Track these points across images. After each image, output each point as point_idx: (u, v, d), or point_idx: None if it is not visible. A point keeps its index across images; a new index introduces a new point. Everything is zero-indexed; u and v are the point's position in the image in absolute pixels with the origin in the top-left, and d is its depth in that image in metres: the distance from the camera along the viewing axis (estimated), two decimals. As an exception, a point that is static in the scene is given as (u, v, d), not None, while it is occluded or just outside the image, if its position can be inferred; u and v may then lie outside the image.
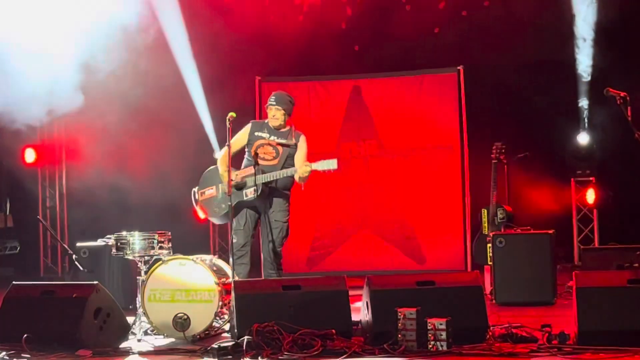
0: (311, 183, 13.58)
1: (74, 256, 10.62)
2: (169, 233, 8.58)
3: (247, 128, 9.10)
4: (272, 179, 8.72)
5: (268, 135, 8.89)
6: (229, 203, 8.57)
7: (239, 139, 9.06)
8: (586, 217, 14.18)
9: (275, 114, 8.90)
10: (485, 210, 10.89)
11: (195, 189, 9.16)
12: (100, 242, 10.64)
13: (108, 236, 8.74)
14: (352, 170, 13.73)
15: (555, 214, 13.57)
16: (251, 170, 8.81)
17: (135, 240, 8.36)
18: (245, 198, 8.76)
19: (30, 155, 15.33)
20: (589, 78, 13.12)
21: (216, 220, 9.31)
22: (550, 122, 13.48)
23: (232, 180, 8.61)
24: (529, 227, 10.40)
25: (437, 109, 13.45)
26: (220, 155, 9.07)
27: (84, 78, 11.43)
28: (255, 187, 8.65)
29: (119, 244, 8.41)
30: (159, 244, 8.40)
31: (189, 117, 13.67)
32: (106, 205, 13.88)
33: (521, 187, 12.13)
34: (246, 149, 9.06)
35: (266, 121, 9.02)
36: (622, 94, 8.44)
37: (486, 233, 10.72)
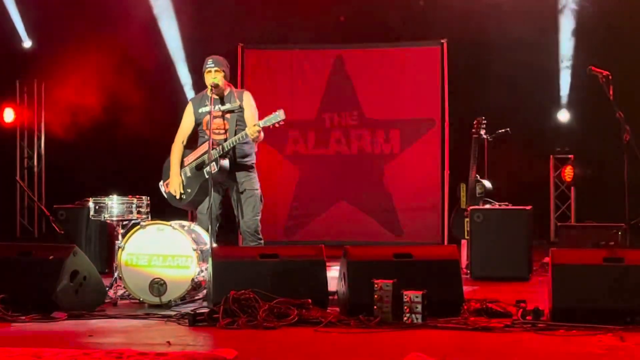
0: (292, 152, 13.67)
1: (51, 218, 10.60)
2: (148, 198, 8.56)
3: (189, 108, 8.89)
4: (227, 149, 8.47)
5: (212, 107, 8.55)
6: (204, 180, 8.52)
7: (186, 122, 8.90)
8: (564, 194, 14.27)
9: (215, 76, 8.60)
10: (464, 185, 10.91)
11: (161, 183, 8.96)
12: (78, 205, 10.64)
13: (86, 199, 8.71)
14: (332, 141, 13.72)
15: (533, 190, 13.64)
16: (205, 147, 8.59)
17: (114, 204, 8.34)
18: (206, 177, 8.49)
19: (9, 115, 15.25)
20: (571, 55, 13.15)
21: (187, 207, 9.04)
22: (531, 99, 13.51)
23: (195, 159, 8.63)
24: (507, 203, 10.44)
25: (419, 82, 13.45)
26: (174, 146, 8.88)
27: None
28: (214, 162, 8.40)
29: (97, 207, 8.39)
30: (138, 209, 8.39)
31: (170, 83, 13.63)
32: (85, 168, 13.83)
33: (500, 162, 12.15)
34: (198, 129, 8.88)
35: (205, 93, 8.73)
36: (604, 73, 8.50)
37: (464, 207, 10.75)
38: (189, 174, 8.77)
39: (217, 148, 8.43)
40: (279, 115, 8.33)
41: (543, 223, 13.82)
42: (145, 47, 14.04)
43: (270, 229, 12.75)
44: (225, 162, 8.50)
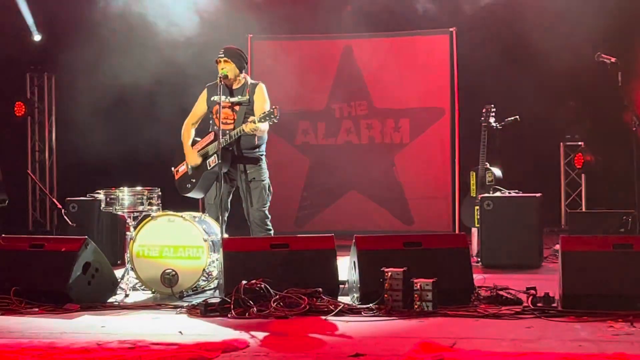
0: (302, 142, 13.68)
1: (63, 210, 10.64)
2: (158, 189, 8.59)
3: (204, 94, 8.97)
4: (228, 142, 8.53)
5: (224, 97, 8.57)
6: (207, 172, 8.65)
7: (198, 107, 9.00)
8: (574, 182, 14.25)
9: (224, 67, 8.64)
10: (474, 173, 10.91)
11: (172, 169, 9.08)
12: (89, 197, 10.68)
13: (97, 191, 8.76)
14: (342, 131, 13.73)
15: (543, 178, 13.63)
16: (211, 137, 8.70)
17: (125, 195, 8.37)
18: (209, 168, 8.66)
19: (20, 109, 15.28)
20: (578, 41, 13.11)
21: (192, 195, 9.05)
22: (541, 86, 13.47)
23: (200, 149, 8.70)
24: (517, 190, 10.45)
25: (428, 71, 13.42)
26: (183, 128, 9.00)
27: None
28: (216, 154, 8.50)
29: (108, 199, 8.41)
30: (148, 200, 8.41)
31: (181, 73, 13.63)
32: (96, 160, 13.86)
33: (510, 150, 12.15)
34: (210, 115, 8.94)
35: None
36: (612, 60, 8.50)
37: (474, 195, 10.75)
38: (195, 165, 8.83)
39: (223, 139, 8.45)
40: (273, 113, 8.32)
41: (554, 210, 13.81)
42: (155, 39, 14.06)
43: (281, 219, 12.79)
44: (227, 155, 8.54)
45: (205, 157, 8.72)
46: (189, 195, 8.98)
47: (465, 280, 7.39)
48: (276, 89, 12.64)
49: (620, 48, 10.58)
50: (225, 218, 8.56)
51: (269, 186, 8.83)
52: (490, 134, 10.86)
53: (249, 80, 8.88)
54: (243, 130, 8.46)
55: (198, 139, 8.90)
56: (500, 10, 12.94)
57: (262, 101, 8.74)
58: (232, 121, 8.68)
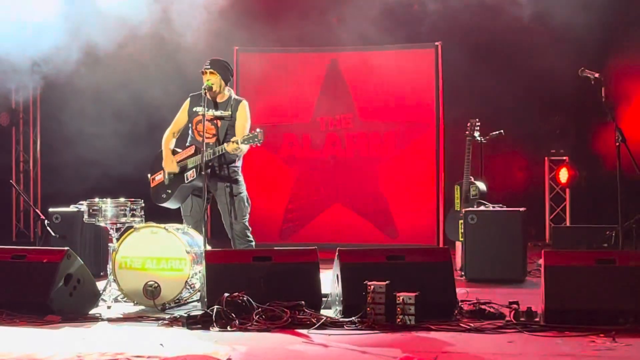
0: (288, 155, 13.68)
1: (46, 221, 10.60)
2: (142, 201, 8.57)
3: (186, 104, 8.94)
4: (209, 158, 8.53)
5: (206, 109, 8.52)
6: (183, 184, 8.68)
7: (179, 117, 8.96)
8: (558, 196, 14.27)
9: (210, 79, 8.64)
10: (458, 187, 10.92)
11: (149, 175, 9.07)
12: (72, 208, 10.66)
13: (81, 202, 8.72)
14: (327, 144, 13.73)
15: (528, 192, 13.65)
16: (191, 150, 8.71)
17: (108, 207, 8.33)
18: (186, 181, 8.68)
19: (4, 119, 15.23)
20: (562, 56, 13.15)
21: (167, 205, 9.00)
22: (525, 101, 13.51)
23: (179, 161, 8.73)
24: (501, 205, 10.46)
25: (414, 85, 13.43)
26: (165, 136, 8.97)
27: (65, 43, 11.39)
28: (194, 168, 8.52)
29: (91, 210, 8.38)
30: (132, 212, 8.38)
31: (165, 87, 13.61)
32: (80, 171, 13.82)
33: (495, 164, 12.19)
34: (189, 126, 8.92)
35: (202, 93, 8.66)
36: (596, 75, 8.53)
37: (458, 209, 10.76)
38: (172, 175, 8.82)
39: (206, 152, 8.45)
40: (257, 136, 8.34)
41: (538, 225, 13.82)
42: (141, 50, 14.05)
43: (265, 231, 12.79)
44: (206, 170, 8.51)
45: (184, 169, 8.71)
46: (163, 205, 8.97)
47: (448, 294, 7.37)
48: (262, 101, 12.72)
49: (604, 63, 10.63)
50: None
51: (247, 198, 8.85)
52: (474, 148, 10.88)
53: (233, 96, 8.87)
54: (224, 149, 8.46)
55: (178, 150, 8.89)
56: (486, 25, 12.97)
57: (244, 120, 8.75)
58: (212, 135, 8.69)
